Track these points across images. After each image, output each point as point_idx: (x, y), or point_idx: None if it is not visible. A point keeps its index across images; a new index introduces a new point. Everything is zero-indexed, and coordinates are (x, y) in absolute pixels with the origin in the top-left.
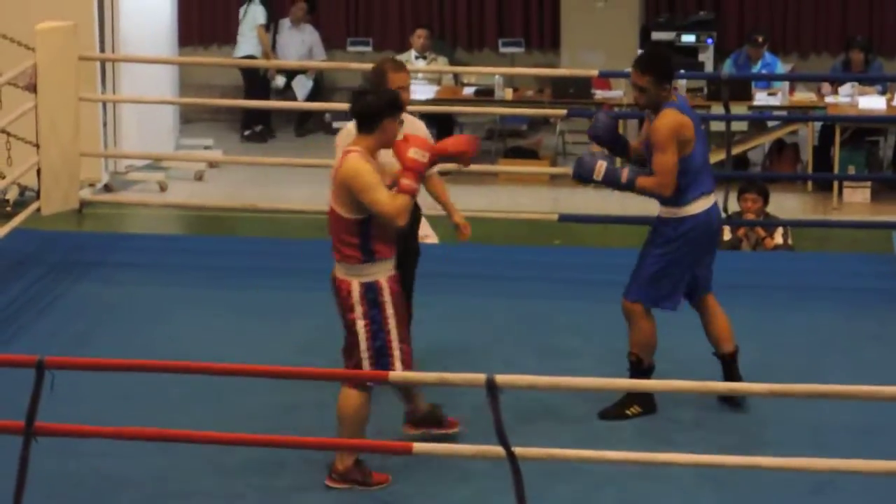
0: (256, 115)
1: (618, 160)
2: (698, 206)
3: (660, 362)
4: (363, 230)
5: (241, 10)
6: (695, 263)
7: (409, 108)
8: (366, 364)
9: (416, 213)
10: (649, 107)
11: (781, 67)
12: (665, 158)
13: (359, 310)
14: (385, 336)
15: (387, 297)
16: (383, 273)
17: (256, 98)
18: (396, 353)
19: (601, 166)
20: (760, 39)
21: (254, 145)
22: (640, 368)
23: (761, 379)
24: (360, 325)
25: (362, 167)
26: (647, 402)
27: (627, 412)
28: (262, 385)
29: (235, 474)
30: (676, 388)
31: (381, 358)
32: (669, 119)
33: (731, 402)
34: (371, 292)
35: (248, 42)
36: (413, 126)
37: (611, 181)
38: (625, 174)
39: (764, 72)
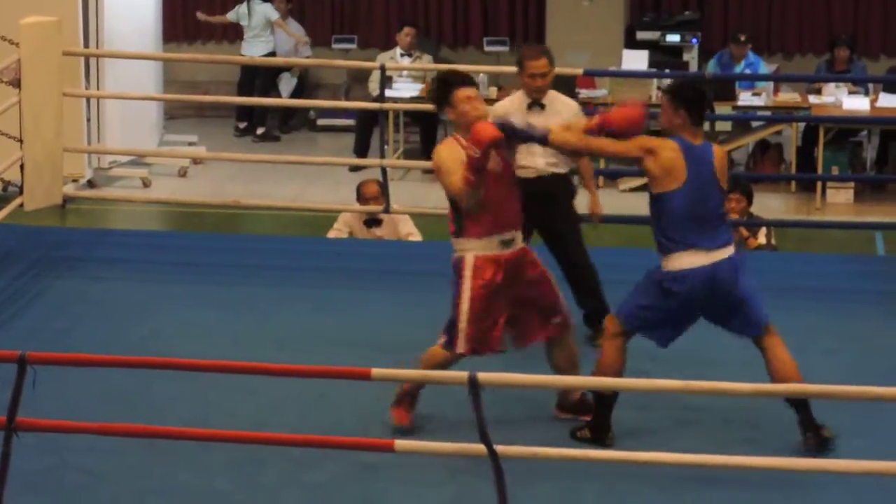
0: (261, 113)
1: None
2: (689, 261)
3: (643, 361)
4: (455, 206)
5: (239, 12)
6: (688, 316)
7: (393, 105)
8: (440, 331)
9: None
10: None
11: (765, 67)
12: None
13: (452, 279)
14: (456, 310)
15: (467, 273)
16: (472, 250)
17: (260, 94)
18: (462, 328)
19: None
20: (743, 38)
21: (240, 141)
22: (597, 397)
23: (744, 378)
24: (451, 293)
25: (442, 151)
26: (600, 430)
27: (577, 434)
28: (244, 381)
29: (217, 471)
30: (659, 387)
31: (451, 329)
32: (652, 137)
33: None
34: (457, 265)
35: (263, 41)
36: (555, 107)
37: (525, 132)
38: (539, 129)
39: (748, 72)
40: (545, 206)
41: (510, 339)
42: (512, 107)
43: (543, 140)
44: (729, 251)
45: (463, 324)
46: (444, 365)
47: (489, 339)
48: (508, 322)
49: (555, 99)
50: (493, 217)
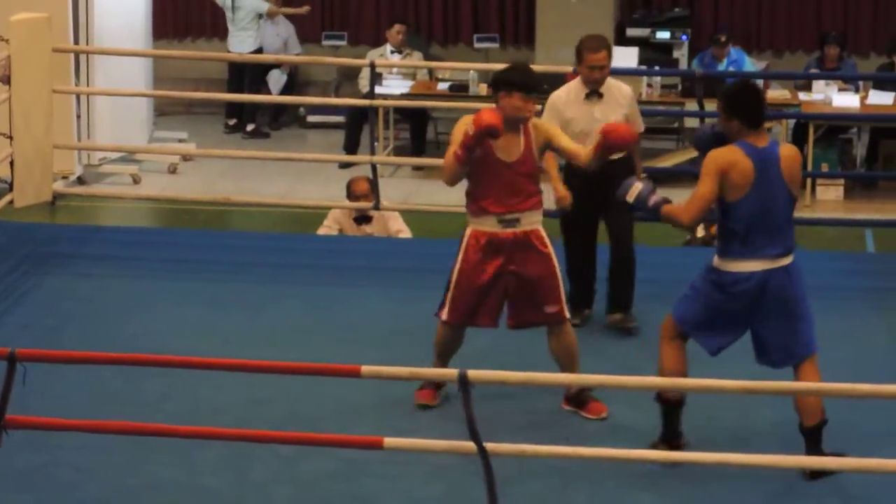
0: (251, 110)
1: None
2: (744, 266)
3: (633, 359)
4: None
5: (226, 2)
6: (741, 321)
7: (382, 102)
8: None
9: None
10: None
11: (749, 63)
12: (699, 187)
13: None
14: (448, 282)
15: (462, 246)
16: (471, 224)
17: (250, 90)
18: (448, 298)
19: (635, 189)
20: (723, 39)
21: (230, 138)
22: (661, 401)
23: (733, 375)
24: None
25: (463, 119)
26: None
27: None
28: (234, 378)
29: (207, 468)
30: (648, 385)
31: (442, 298)
32: (719, 154)
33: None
34: (460, 237)
35: (251, 35)
36: (612, 95)
37: (639, 205)
38: (653, 199)
39: (732, 68)
40: (608, 191)
41: (506, 317)
42: (569, 97)
43: (656, 214)
44: (787, 260)
45: (450, 293)
46: (445, 338)
47: (477, 312)
48: (503, 299)
49: (611, 86)
50: (494, 198)
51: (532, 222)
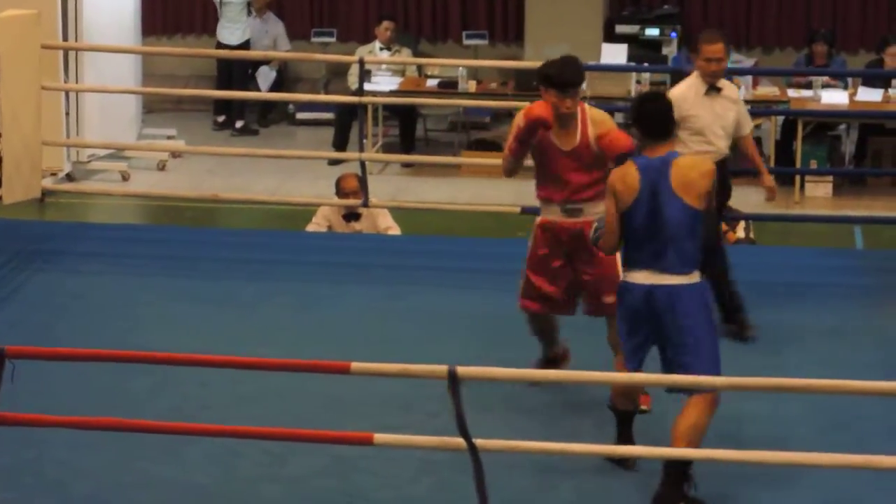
0: (240, 107)
1: None
2: (631, 277)
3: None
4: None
5: None
6: (641, 335)
7: (372, 99)
8: None
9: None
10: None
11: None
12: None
13: None
14: (523, 267)
15: (532, 236)
16: (542, 213)
17: (238, 86)
18: (522, 284)
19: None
20: None
21: (219, 135)
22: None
23: (722, 372)
24: None
25: (521, 111)
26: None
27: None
28: (223, 375)
29: (196, 464)
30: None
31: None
32: (613, 171)
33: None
34: (531, 229)
35: (240, 27)
36: (729, 91)
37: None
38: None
39: None
40: (721, 187)
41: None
42: (689, 92)
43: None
44: (679, 279)
45: (522, 282)
46: (533, 325)
47: (549, 300)
48: (572, 287)
49: (725, 84)
50: (556, 186)
51: (595, 212)
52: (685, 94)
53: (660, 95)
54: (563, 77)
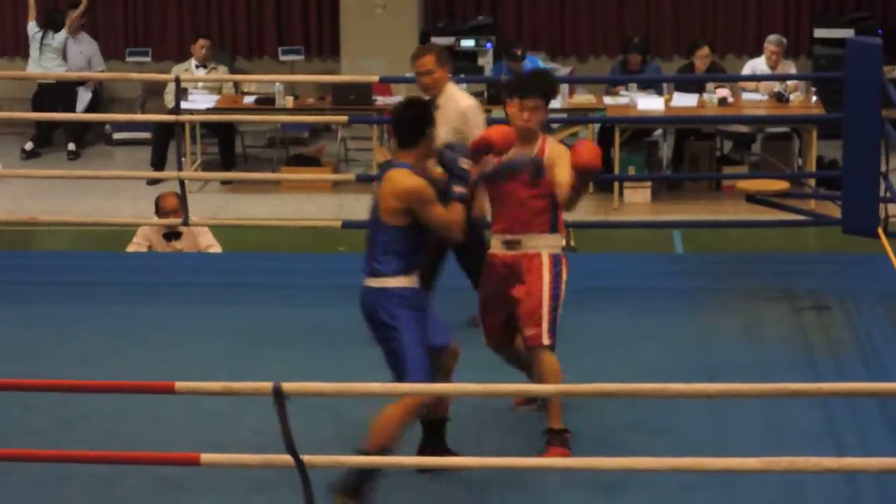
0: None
1: None
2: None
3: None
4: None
5: (33, 34)
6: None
7: (189, 117)
8: None
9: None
10: None
11: (543, 66)
12: None
13: None
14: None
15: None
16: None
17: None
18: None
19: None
20: (519, 53)
21: (36, 159)
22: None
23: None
24: None
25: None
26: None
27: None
28: (46, 399)
29: (21, 491)
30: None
31: None
32: None
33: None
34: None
35: (56, 66)
36: (447, 103)
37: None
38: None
39: None
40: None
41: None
42: None
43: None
44: (374, 283)
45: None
46: (518, 360)
47: (490, 333)
48: (509, 320)
49: (448, 97)
50: (499, 218)
51: (535, 246)
52: None
53: (409, 102)
54: (520, 82)
